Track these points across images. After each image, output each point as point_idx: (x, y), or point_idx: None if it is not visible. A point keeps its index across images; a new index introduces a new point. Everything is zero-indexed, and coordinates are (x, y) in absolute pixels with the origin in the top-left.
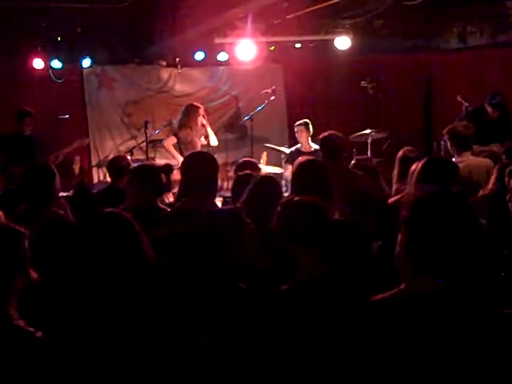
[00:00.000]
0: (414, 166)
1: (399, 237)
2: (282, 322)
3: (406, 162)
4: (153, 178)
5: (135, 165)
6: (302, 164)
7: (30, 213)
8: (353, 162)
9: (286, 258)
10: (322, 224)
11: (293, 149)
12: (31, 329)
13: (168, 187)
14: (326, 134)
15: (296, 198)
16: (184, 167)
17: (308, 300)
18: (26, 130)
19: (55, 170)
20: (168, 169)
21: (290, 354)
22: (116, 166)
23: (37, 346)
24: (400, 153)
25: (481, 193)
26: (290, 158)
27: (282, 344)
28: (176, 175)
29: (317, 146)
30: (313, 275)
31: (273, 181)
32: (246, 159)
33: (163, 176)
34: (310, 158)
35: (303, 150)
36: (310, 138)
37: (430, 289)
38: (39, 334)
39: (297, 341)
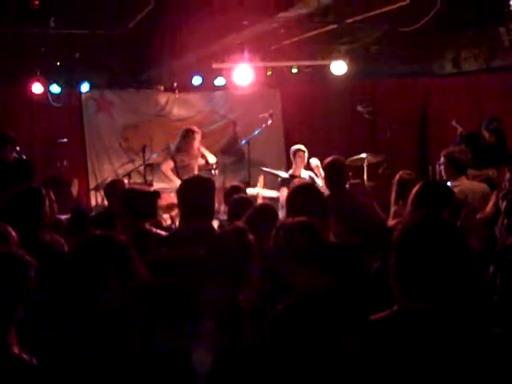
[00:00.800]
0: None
1: (390, 261)
2: (279, 341)
3: (403, 184)
4: (139, 202)
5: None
6: (298, 187)
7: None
8: (346, 186)
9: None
10: (315, 242)
11: (286, 175)
12: (25, 356)
13: (154, 212)
14: (330, 158)
15: (291, 220)
16: (181, 191)
17: (306, 317)
18: (9, 157)
19: (44, 193)
20: (155, 194)
21: (287, 373)
22: (113, 189)
23: (31, 373)
24: (397, 176)
25: (478, 216)
26: (286, 182)
27: (280, 363)
28: (173, 198)
29: (308, 173)
30: (313, 292)
31: (270, 207)
32: (233, 184)
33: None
34: (306, 181)
35: (297, 174)
36: None
37: (422, 312)
38: (33, 360)
39: (294, 359)
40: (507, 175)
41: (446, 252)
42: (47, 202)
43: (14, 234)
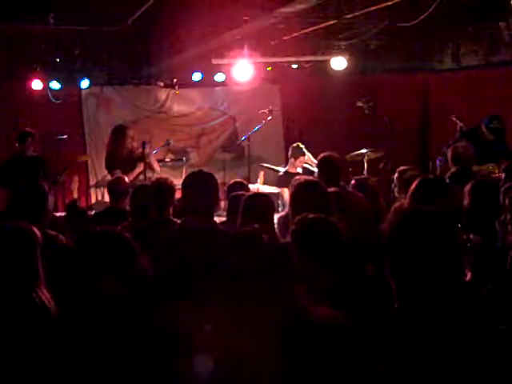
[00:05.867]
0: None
1: (384, 258)
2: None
3: (407, 181)
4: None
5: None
6: (302, 183)
7: None
8: (352, 181)
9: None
10: (337, 241)
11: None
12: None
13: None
14: (325, 155)
15: (312, 216)
16: (185, 186)
17: None
18: (28, 151)
19: (47, 190)
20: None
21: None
22: (117, 187)
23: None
24: (398, 172)
25: None
26: (284, 180)
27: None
28: None
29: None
30: (327, 288)
31: (260, 196)
32: (236, 180)
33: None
34: (311, 178)
35: (293, 171)
36: None
37: (422, 309)
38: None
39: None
40: (503, 175)
41: (436, 245)
42: (50, 199)
43: (38, 232)
